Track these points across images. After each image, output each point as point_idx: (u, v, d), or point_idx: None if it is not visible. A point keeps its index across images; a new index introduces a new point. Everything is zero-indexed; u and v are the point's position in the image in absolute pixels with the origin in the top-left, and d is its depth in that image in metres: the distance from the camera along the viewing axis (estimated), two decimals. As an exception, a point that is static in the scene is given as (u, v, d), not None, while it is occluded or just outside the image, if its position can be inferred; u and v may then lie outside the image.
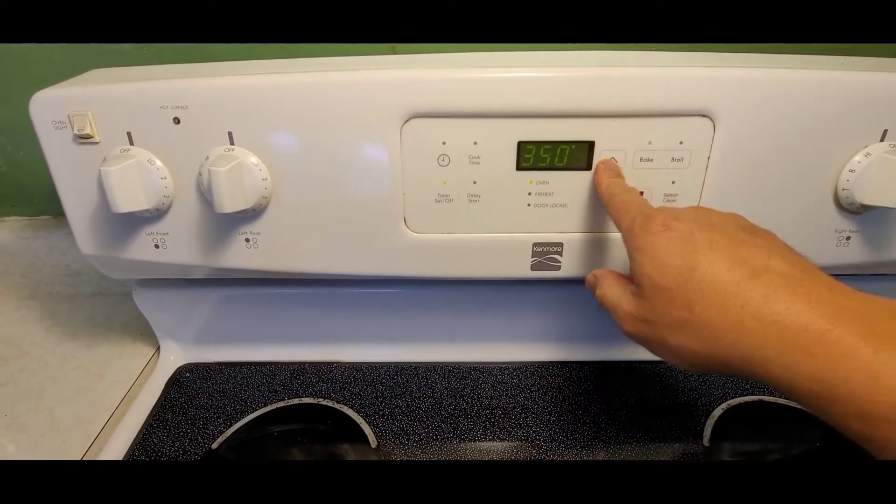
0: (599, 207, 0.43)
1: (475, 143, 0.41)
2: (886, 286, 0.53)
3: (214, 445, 0.48)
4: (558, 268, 0.45)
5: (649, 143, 0.40)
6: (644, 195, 0.42)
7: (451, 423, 0.51)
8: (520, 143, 0.41)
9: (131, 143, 0.41)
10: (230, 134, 0.40)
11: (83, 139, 0.40)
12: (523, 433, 0.50)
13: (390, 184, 0.42)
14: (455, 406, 0.52)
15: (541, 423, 0.50)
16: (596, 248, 0.45)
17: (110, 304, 0.66)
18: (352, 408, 0.52)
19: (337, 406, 0.52)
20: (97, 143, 0.41)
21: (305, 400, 0.53)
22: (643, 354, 0.34)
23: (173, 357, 0.58)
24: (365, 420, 0.51)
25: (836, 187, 0.42)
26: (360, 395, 0.54)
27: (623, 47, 0.50)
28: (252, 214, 0.43)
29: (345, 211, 0.43)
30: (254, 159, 0.41)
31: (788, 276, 0.27)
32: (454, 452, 0.48)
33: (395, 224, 0.44)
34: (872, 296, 0.26)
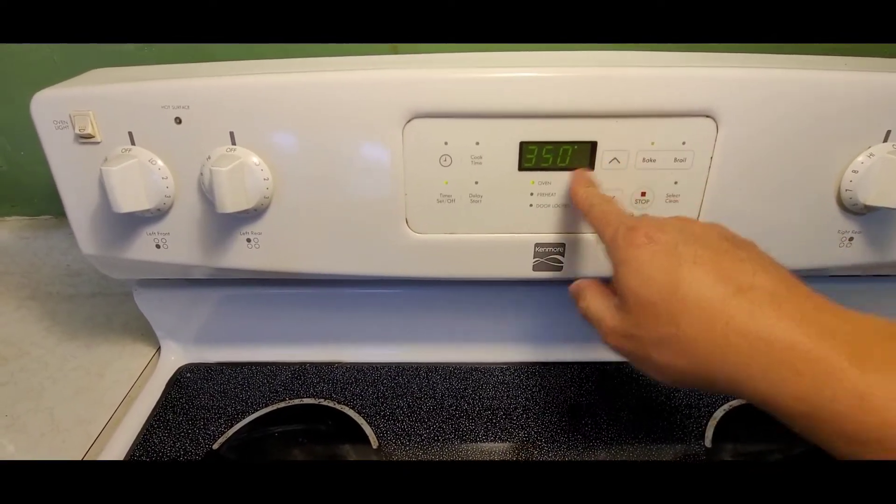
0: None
1: (477, 144, 0.41)
2: (889, 287, 0.53)
3: (215, 446, 0.48)
4: (560, 268, 0.45)
5: (652, 143, 0.40)
6: (646, 196, 0.42)
7: (452, 424, 0.51)
8: (522, 144, 0.41)
9: (133, 142, 0.41)
10: (232, 134, 0.40)
11: (84, 139, 0.40)
12: (525, 434, 0.50)
13: (392, 184, 0.42)
14: (456, 407, 0.52)
15: (542, 424, 0.50)
16: (598, 249, 0.44)
17: (110, 304, 0.66)
18: (353, 408, 0.52)
19: (338, 406, 0.52)
20: (98, 142, 0.41)
21: (306, 400, 0.53)
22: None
23: (174, 357, 0.58)
24: (366, 420, 0.51)
25: (839, 188, 0.41)
26: (362, 395, 0.54)
27: (624, 47, 0.50)
28: (253, 214, 0.43)
29: (346, 211, 0.43)
30: (255, 159, 0.41)
31: (774, 293, 0.27)
32: (455, 453, 0.48)
33: (397, 224, 0.44)
34: (857, 313, 0.26)
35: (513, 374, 0.56)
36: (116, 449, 0.48)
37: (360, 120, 0.40)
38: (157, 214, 0.43)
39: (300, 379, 0.55)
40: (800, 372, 0.25)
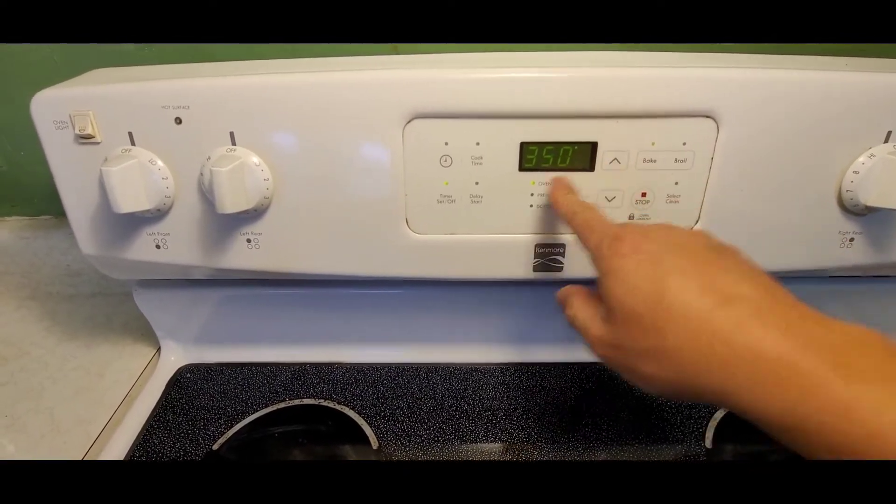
0: (602, 208, 0.43)
1: (478, 144, 0.41)
2: (889, 288, 0.53)
3: (215, 446, 0.48)
4: (561, 269, 0.45)
5: (652, 143, 0.40)
6: (647, 196, 0.42)
7: (452, 425, 0.51)
8: (522, 144, 0.41)
9: (133, 143, 0.41)
10: (232, 134, 0.40)
11: (84, 139, 0.40)
12: (525, 435, 0.50)
13: (392, 184, 0.42)
14: (456, 407, 0.52)
15: (542, 425, 0.50)
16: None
17: (110, 304, 0.66)
18: (353, 409, 0.52)
19: (338, 407, 0.52)
20: (98, 143, 0.41)
21: (306, 401, 0.53)
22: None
23: (174, 357, 0.58)
24: (366, 421, 0.51)
25: (840, 188, 0.41)
26: (362, 396, 0.54)
27: (624, 47, 0.50)
28: (253, 215, 0.43)
29: (346, 211, 0.43)
30: (255, 159, 0.41)
31: (759, 303, 0.27)
32: (455, 453, 0.48)
33: (397, 225, 0.44)
34: (841, 323, 0.26)
35: (513, 374, 0.56)
36: (116, 449, 0.48)
37: (361, 120, 0.40)
38: (157, 215, 0.43)
39: (300, 379, 0.55)
40: (785, 384, 0.24)
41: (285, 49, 0.53)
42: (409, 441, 0.49)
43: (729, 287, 0.28)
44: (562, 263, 0.45)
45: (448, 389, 0.54)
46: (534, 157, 0.41)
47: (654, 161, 0.41)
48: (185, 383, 0.56)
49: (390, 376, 0.56)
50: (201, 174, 0.41)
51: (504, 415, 0.51)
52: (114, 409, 0.52)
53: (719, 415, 0.50)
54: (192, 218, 0.43)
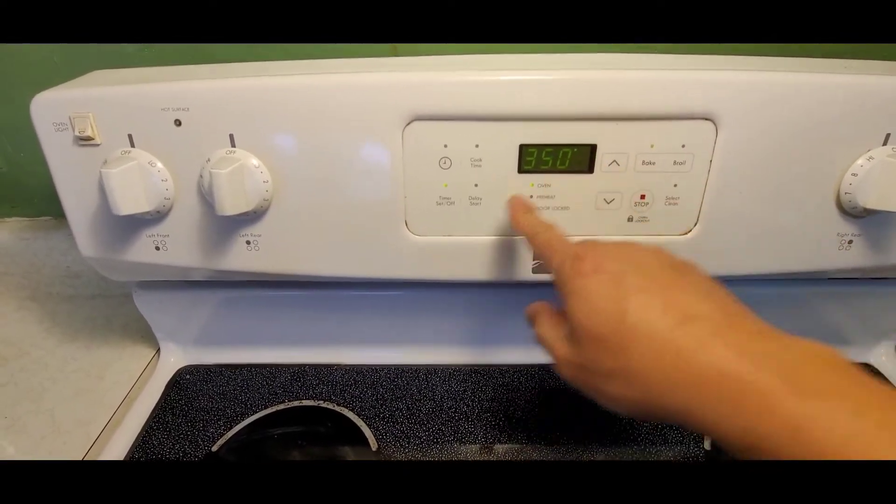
0: (601, 210, 0.43)
1: (477, 146, 0.41)
2: (888, 289, 0.53)
3: (215, 448, 0.48)
4: (560, 271, 0.45)
5: (651, 146, 0.40)
6: (646, 198, 0.42)
7: (451, 426, 0.51)
8: (521, 146, 0.41)
9: (132, 145, 0.41)
10: (231, 136, 0.40)
11: (84, 141, 0.40)
12: (524, 436, 0.50)
13: (391, 186, 0.42)
14: (456, 409, 0.52)
15: (542, 426, 0.50)
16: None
17: (110, 305, 0.66)
18: (352, 410, 0.52)
19: (337, 408, 0.52)
20: (98, 144, 0.41)
21: (306, 402, 0.53)
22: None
23: (173, 359, 0.58)
24: (365, 423, 0.51)
25: (839, 191, 0.41)
26: (361, 397, 0.54)
27: (624, 48, 0.50)
28: (253, 217, 0.43)
29: (346, 213, 0.43)
30: (255, 161, 0.41)
31: (717, 323, 0.27)
32: (455, 455, 0.48)
33: (397, 227, 0.44)
34: (796, 339, 0.26)
35: (512, 375, 0.56)
36: (116, 450, 0.48)
37: (360, 122, 0.40)
38: (157, 216, 0.43)
39: (299, 381, 0.56)
40: (740, 406, 0.25)
41: (286, 50, 0.53)
42: (408, 442, 0.49)
43: (689, 306, 0.28)
44: (561, 265, 0.45)
45: (447, 391, 0.54)
46: (533, 159, 0.41)
47: (653, 163, 0.41)
48: (185, 384, 0.56)
49: (389, 378, 0.56)
50: (201, 176, 0.41)
51: (504, 416, 0.51)
52: (113, 410, 0.52)
53: (718, 416, 0.50)
54: (191, 220, 0.43)
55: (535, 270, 0.45)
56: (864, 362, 0.57)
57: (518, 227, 0.40)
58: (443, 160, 0.41)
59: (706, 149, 0.40)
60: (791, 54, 0.48)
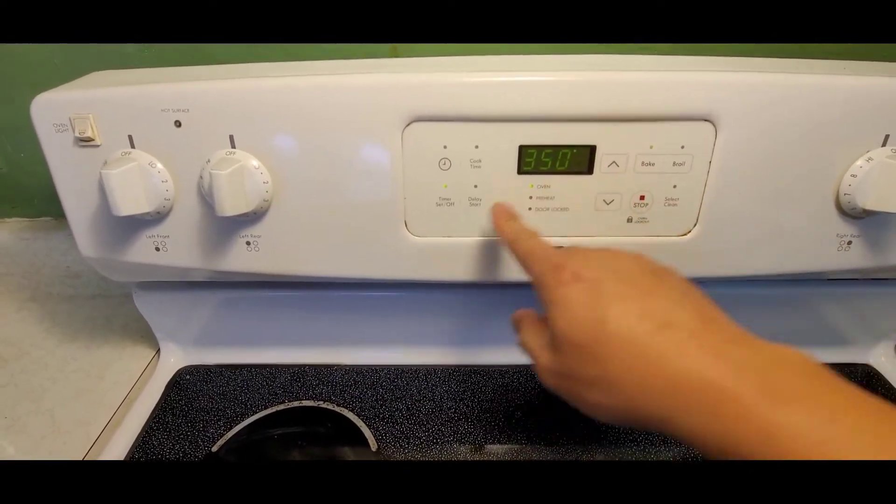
0: (601, 212, 0.43)
1: (476, 147, 0.41)
2: (887, 290, 0.53)
3: (214, 448, 0.48)
4: (559, 271, 0.45)
5: (651, 147, 0.40)
6: (645, 199, 0.42)
7: (451, 426, 0.51)
8: (521, 147, 0.41)
9: (132, 146, 0.41)
10: (231, 137, 0.40)
11: (84, 142, 0.40)
12: (524, 436, 0.50)
13: (391, 187, 0.42)
14: (455, 409, 0.52)
15: (541, 426, 0.50)
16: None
17: (110, 305, 0.66)
18: (352, 411, 0.52)
19: (337, 409, 0.52)
20: (98, 145, 0.41)
21: (305, 403, 0.53)
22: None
23: (173, 359, 0.58)
24: (365, 423, 0.51)
25: (838, 192, 0.41)
26: (361, 397, 0.54)
27: (624, 49, 0.50)
28: (253, 218, 0.43)
29: (346, 214, 0.43)
30: (255, 163, 0.41)
31: (692, 329, 0.27)
32: (455, 455, 0.48)
33: (396, 227, 0.44)
34: (769, 345, 0.27)
35: (512, 376, 0.56)
36: (116, 450, 0.49)
37: (360, 123, 0.40)
38: (157, 217, 0.43)
39: (299, 381, 0.56)
40: (715, 413, 0.25)
41: (285, 50, 0.54)
42: (407, 443, 0.49)
43: (665, 313, 0.28)
44: (560, 266, 0.45)
45: (447, 391, 0.54)
46: (532, 160, 0.41)
47: (653, 164, 0.41)
48: (185, 385, 0.56)
49: (389, 378, 0.56)
50: (201, 177, 0.41)
51: (503, 417, 0.52)
52: (113, 410, 0.52)
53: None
54: (191, 221, 0.43)
55: (534, 271, 0.45)
56: (864, 363, 0.57)
57: (500, 233, 0.40)
58: (442, 161, 0.41)
59: (705, 150, 0.40)
60: (791, 55, 0.48)
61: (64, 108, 0.40)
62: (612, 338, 0.28)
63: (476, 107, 0.39)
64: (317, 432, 0.51)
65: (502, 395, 0.54)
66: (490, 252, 0.45)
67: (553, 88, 0.39)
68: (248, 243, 0.44)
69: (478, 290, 0.54)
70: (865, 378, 0.56)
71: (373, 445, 0.49)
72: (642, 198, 0.42)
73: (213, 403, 0.53)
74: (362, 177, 0.42)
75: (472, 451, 0.49)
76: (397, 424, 0.51)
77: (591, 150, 0.41)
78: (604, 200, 0.42)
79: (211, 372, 0.57)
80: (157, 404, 0.53)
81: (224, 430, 0.50)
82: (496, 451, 0.49)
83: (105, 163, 0.40)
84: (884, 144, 0.40)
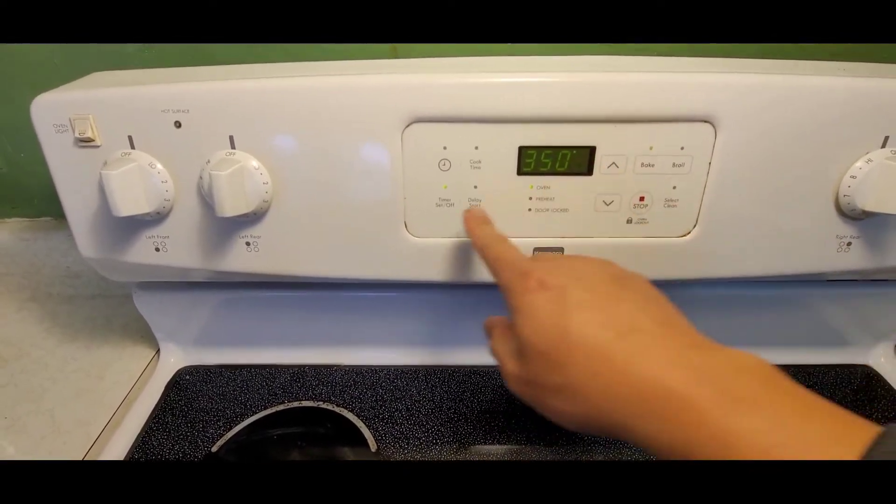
0: (600, 212, 0.43)
1: (476, 148, 0.41)
2: (886, 291, 0.53)
3: (214, 448, 0.48)
4: (559, 272, 0.45)
5: (650, 148, 0.40)
6: (645, 200, 0.42)
7: (451, 427, 0.51)
8: (521, 148, 0.41)
9: (132, 146, 0.41)
10: (231, 138, 0.40)
11: (84, 142, 0.40)
12: (523, 436, 0.50)
13: (391, 188, 0.42)
14: (455, 409, 0.52)
15: (541, 427, 0.50)
16: (596, 253, 0.44)
17: (110, 305, 0.66)
18: (352, 411, 0.52)
19: (337, 409, 0.52)
20: (98, 146, 0.41)
21: (305, 403, 0.53)
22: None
23: (173, 359, 0.58)
24: (365, 424, 0.51)
25: (838, 193, 0.42)
26: (360, 398, 0.54)
27: (624, 50, 0.50)
28: (253, 218, 0.43)
29: (346, 215, 0.43)
30: (255, 163, 0.41)
31: (653, 335, 0.28)
32: (454, 456, 0.48)
33: (396, 228, 0.44)
34: (727, 350, 0.27)
35: (511, 376, 0.56)
36: (116, 451, 0.49)
37: (360, 124, 0.40)
38: (157, 218, 0.43)
39: (299, 381, 0.56)
40: (672, 420, 0.25)
41: (285, 51, 0.54)
42: (407, 444, 0.49)
43: (626, 320, 0.28)
44: (560, 267, 0.45)
45: (447, 392, 0.54)
46: (532, 161, 0.41)
47: (653, 165, 0.41)
48: (185, 385, 0.56)
49: (389, 379, 0.56)
50: (201, 178, 0.41)
51: (503, 417, 0.52)
52: (113, 410, 0.52)
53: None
54: (191, 221, 0.44)
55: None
56: (863, 364, 0.57)
57: (471, 239, 0.40)
58: (442, 162, 0.41)
59: (705, 151, 0.40)
60: (791, 55, 0.48)
61: (64, 108, 0.40)
62: (576, 346, 0.28)
63: (476, 108, 0.39)
64: (316, 433, 0.51)
65: (502, 395, 0.54)
66: (490, 253, 0.45)
67: (553, 89, 0.39)
68: (247, 244, 0.44)
69: (477, 290, 0.54)
70: (865, 379, 0.56)
71: (372, 446, 0.49)
72: (642, 199, 0.42)
73: (212, 404, 0.53)
74: (362, 177, 0.42)
75: (471, 452, 0.49)
76: (397, 425, 0.51)
77: (591, 150, 0.41)
78: (603, 201, 0.43)
79: (211, 372, 0.57)
80: (157, 404, 0.53)
81: (224, 431, 0.50)
82: (496, 451, 0.49)
83: (105, 163, 0.40)
84: (883, 146, 0.40)
